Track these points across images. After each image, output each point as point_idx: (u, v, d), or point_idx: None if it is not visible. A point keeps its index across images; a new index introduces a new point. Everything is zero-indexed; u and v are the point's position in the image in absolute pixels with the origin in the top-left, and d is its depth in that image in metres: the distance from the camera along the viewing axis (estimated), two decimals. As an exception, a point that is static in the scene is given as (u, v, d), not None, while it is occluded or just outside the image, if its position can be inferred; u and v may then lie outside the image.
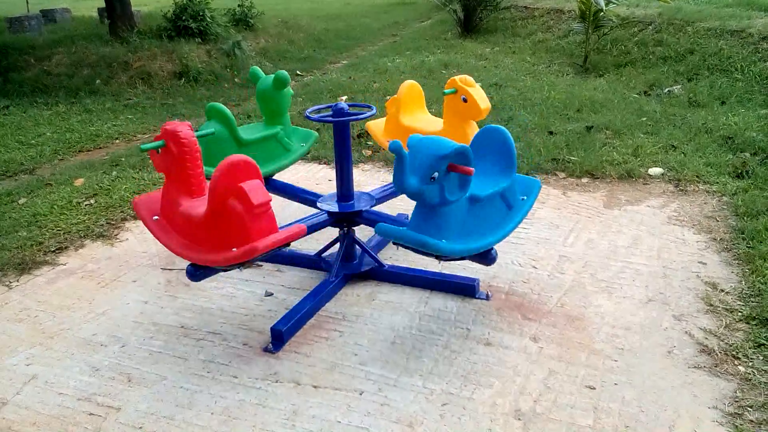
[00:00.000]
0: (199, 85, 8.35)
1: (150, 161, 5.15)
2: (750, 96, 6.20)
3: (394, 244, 2.74)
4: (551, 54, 9.36)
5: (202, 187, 2.61)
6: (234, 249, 2.33)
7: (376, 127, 3.83)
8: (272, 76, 3.48)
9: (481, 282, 3.11)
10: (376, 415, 2.29)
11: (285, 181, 3.69)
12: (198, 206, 2.48)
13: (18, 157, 5.55)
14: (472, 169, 2.31)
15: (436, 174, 2.29)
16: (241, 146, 3.37)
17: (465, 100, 3.26)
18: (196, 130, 2.84)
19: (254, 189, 2.28)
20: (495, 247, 2.64)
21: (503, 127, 2.75)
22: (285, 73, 3.47)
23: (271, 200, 2.34)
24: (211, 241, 2.44)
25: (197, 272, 2.54)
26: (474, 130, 3.30)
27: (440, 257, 2.55)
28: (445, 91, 3.31)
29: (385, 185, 3.56)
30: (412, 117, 3.64)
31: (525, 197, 2.83)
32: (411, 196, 2.40)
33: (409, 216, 2.55)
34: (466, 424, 2.23)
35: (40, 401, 2.44)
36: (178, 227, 2.60)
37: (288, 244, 2.48)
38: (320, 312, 2.97)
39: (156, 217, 2.68)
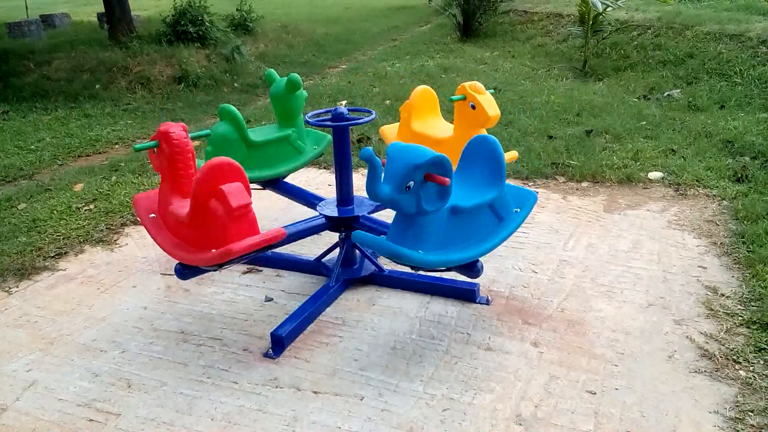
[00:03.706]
0: (199, 90, 8.36)
1: (149, 166, 5.19)
2: (749, 100, 6.21)
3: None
4: (550, 58, 9.38)
5: None
6: (213, 250, 2.35)
7: (390, 132, 3.78)
8: (285, 78, 3.50)
9: (481, 287, 3.10)
10: (376, 420, 2.29)
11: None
12: (186, 206, 2.51)
13: (17, 163, 5.55)
14: (447, 179, 2.28)
15: (411, 183, 2.27)
16: (251, 148, 3.40)
17: (473, 107, 3.23)
18: (192, 132, 2.88)
19: (234, 191, 2.31)
20: (491, 255, 2.61)
21: (493, 137, 2.71)
22: (297, 76, 3.49)
23: (250, 203, 2.36)
24: (195, 241, 2.48)
25: (185, 271, 2.62)
26: None
27: (416, 267, 2.52)
28: (453, 97, 3.29)
29: None
30: (424, 123, 3.58)
31: (519, 209, 2.78)
32: (385, 204, 2.40)
33: None
34: (467, 429, 2.23)
35: (40, 407, 2.44)
36: (170, 226, 2.64)
37: (268, 247, 2.48)
38: (320, 317, 2.97)
39: (153, 215, 2.73)
